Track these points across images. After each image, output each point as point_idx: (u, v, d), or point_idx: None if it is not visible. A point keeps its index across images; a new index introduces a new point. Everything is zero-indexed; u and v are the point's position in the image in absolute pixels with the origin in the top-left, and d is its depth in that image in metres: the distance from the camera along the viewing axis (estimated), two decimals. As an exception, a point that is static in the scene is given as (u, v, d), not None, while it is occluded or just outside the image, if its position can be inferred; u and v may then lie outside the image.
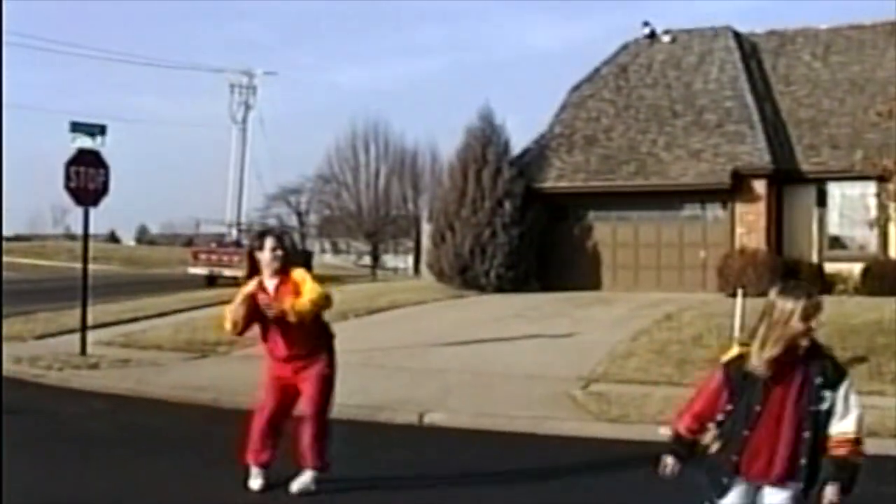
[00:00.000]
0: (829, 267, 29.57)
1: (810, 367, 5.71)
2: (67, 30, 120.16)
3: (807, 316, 5.67)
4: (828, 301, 22.98)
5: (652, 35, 36.32)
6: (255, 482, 9.69)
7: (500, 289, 30.74)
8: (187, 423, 13.79)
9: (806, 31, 35.35)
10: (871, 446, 6.39)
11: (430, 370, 17.01)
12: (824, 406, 5.68)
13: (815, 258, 30.17)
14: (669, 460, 6.09)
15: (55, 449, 11.71)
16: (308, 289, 9.34)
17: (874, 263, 28.58)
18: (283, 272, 9.42)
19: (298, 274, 9.48)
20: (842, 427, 5.70)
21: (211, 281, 39.68)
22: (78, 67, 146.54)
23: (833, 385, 5.72)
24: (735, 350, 5.93)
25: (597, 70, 35.93)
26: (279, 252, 9.40)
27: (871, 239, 29.80)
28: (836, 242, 30.65)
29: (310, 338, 9.48)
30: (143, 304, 27.24)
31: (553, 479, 10.67)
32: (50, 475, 10.44)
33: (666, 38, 36.02)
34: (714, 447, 5.94)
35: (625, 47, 36.42)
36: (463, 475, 10.24)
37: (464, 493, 9.56)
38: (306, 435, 9.54)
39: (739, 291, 17.76)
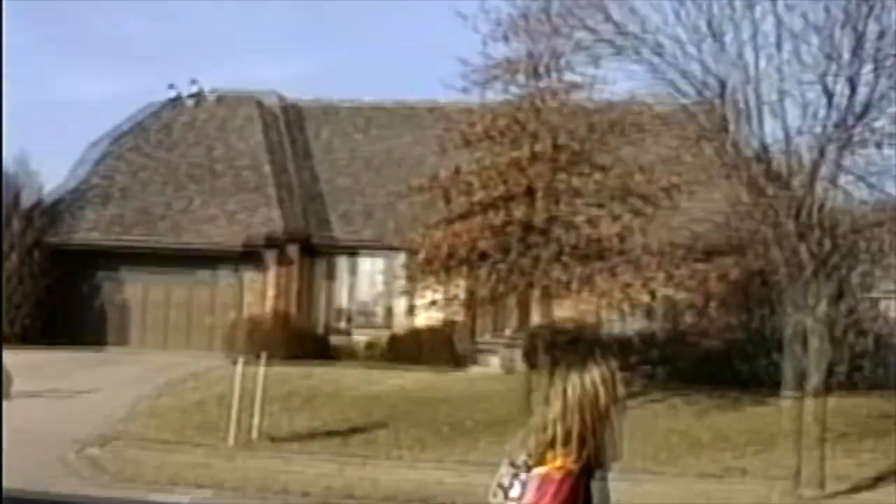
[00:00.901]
0: (356, 334, 30.10)
1: None
2: None
3: (612, 385, 4.24)
4: (351, 369, 23.10)
5: (189, 96, 35.73)
6: None
7: (23, 340, 29.20)
8: None
9: (351, 102, 35.94)
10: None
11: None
12: None
13: (343, 325, 30.63)
14: None
15: None
16: None
17: (400, 332, 29.30)
18: None
19: None
20: None
21: None
22: None
23: None
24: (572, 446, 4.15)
25: (131, 126, 35.21)
26: None
27: (398, 308, 30.50)
28: (364, 310, 31.19)
29: None
30: None
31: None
32: None
33: (208, 99, 35.63)
34: None
35: (167, 106, 35.72)
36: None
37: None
38: None
39: (240, 360, 17.97)
